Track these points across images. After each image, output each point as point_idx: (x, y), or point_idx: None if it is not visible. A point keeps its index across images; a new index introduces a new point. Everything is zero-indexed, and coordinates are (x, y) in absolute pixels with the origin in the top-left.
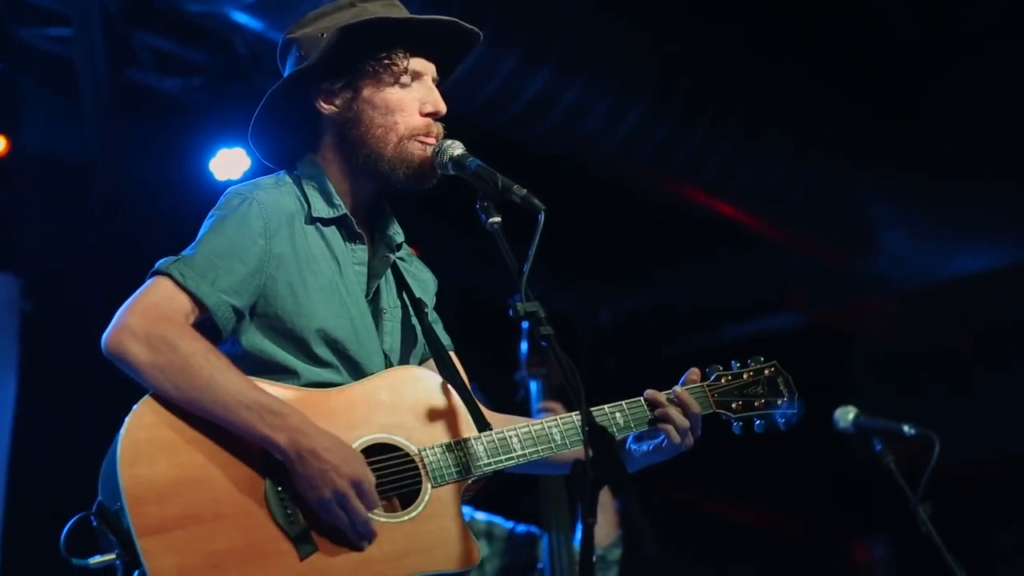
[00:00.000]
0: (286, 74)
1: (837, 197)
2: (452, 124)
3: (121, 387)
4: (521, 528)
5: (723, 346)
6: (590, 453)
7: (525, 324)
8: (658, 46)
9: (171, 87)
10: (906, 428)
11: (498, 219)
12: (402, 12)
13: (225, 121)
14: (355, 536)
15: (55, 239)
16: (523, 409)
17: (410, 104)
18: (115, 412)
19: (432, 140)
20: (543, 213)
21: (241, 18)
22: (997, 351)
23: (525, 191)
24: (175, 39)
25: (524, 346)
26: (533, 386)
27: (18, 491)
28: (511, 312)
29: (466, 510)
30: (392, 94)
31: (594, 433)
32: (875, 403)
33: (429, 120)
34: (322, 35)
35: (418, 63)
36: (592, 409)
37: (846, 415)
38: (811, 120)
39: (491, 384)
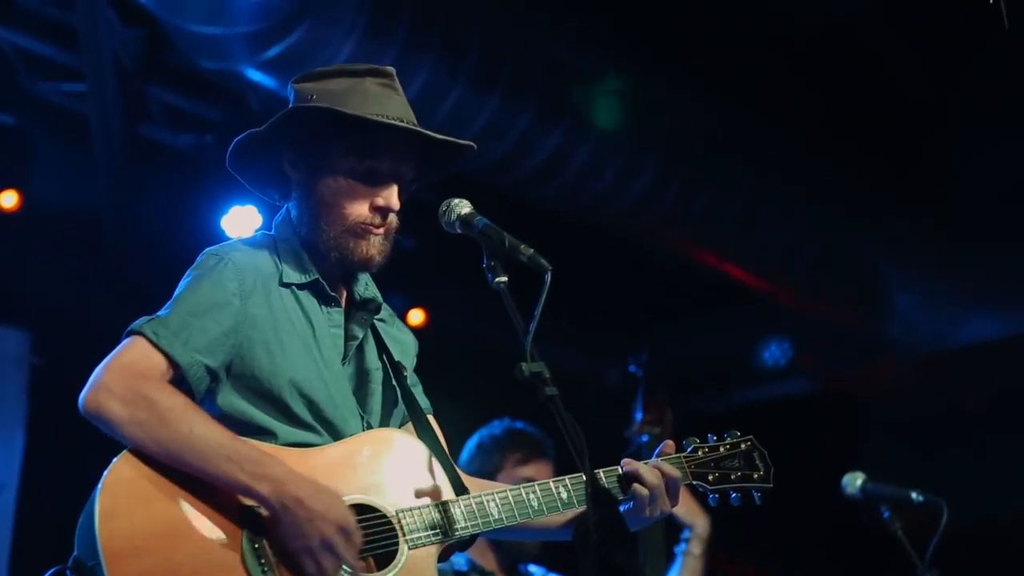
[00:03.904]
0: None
1: (848, 260)
2: (460, 182)
3: None
4: None
5: (733, 409)
6: (594, 515)
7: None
8: (669, 107)
9: (184, 143)
10: (914, 495)
11: (504, 278)
12: (388, 101)
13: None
14: None
15: (65, 293)
16: None
17: (362, 194)
18: None
19: (379, 231)
20: (550, 273)
21: (255, 75)
22: (1009, 415)
23: (532, 251)
24: (189, 95)
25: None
26: None
27: (26, 544)
28: (516, 372)
29: None
30: (345, 183)
31: (597, 495)
32: (886, 467)
33: (377, 214)
34: (311, 97)
35: (382, 156)
36: (570, 476)
37: (854, 481)
38: (822, 183)
39: None
